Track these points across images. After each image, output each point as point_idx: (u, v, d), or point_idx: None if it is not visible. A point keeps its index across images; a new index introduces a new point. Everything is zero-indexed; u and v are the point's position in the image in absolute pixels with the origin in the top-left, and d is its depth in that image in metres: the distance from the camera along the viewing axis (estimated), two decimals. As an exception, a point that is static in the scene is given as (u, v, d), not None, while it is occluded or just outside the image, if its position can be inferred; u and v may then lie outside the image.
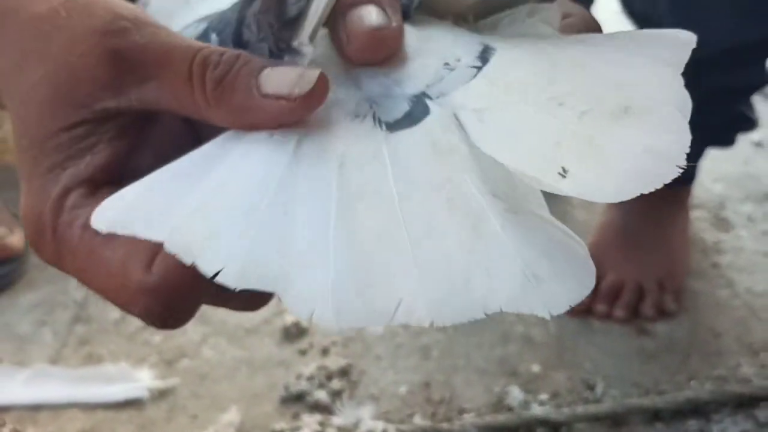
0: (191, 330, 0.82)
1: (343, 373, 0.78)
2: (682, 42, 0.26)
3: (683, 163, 0.22)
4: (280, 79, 0.26)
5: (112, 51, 0.27)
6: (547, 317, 0.20)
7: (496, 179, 0.22)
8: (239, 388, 0.76)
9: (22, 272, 0.87)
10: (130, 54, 0.28)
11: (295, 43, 0.27)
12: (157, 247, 0.25)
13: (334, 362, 0.78)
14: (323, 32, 0.28)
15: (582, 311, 0.84)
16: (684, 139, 0.22)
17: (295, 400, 0.75)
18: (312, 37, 0.27)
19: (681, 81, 0.25)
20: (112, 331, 0.81)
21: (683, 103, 0.24)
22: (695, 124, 0.84)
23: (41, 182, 0.28)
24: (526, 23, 0.28)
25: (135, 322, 0.82)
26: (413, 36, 0.27)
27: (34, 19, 0.30)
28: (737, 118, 0.87)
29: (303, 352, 0.80)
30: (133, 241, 0.26)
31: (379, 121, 0.25)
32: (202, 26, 0.32)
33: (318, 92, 0.26)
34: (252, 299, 0.28)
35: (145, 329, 0.82)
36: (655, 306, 0.84)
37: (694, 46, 0.26)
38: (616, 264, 0.86)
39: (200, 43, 0.28)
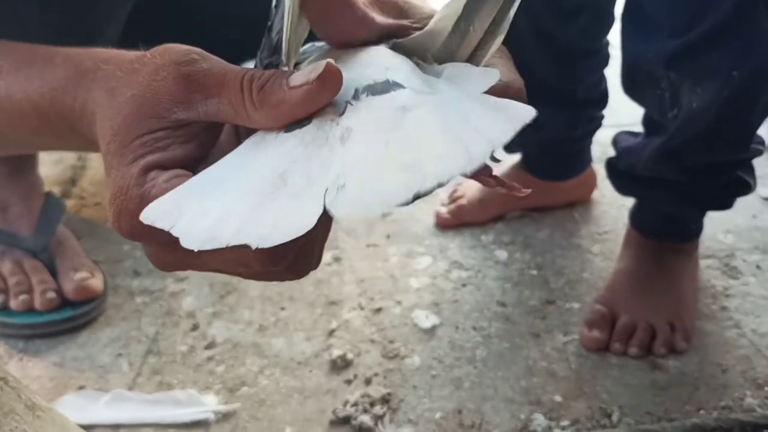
0: (249, 362, 0.92)
1: (384, 400, 0.87)
2: (511, 119, 0.34)
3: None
4: (301, 75, 0.35)
5: (184, 75, 0.37)
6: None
7: None
8: (293, 412, 0.86)
9: (102, 311, 0.99)
10: (197, 77, 0.37)
11: (281, 61, 0.38)
12: None
13: (376, 391, 0.88)
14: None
15: (600, 348, 0.93)
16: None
17: (342, 423, 0.84)
18: (287, 57, 0.38)
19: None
20: (180, 363, 0.92)
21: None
22: (689, 193, 0.97)
23: (126, 168, 0.36)
24: (460, 73, 0.37)
25: (201, 355, 0.93)
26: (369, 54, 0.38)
27: (124, 62, 0.39)
28: (733, 184, 0.96)
29: (348, 382, 0.90)
30: None
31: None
32: None
33: (328, 73, 0.34)
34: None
35: (210, 361, 0.92)
36: (666, 345, 0.93)
37: (527, 121, 0.33)
38: (629, 307, 0.95)
39: (250, 68, 0.37)
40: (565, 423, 0.84)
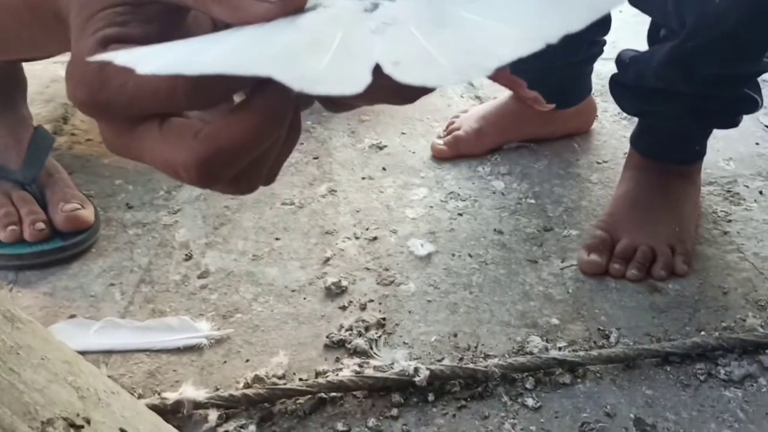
0: (243, 290, 0.91)
1: (380, 325, 0.86)
2: None
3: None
4: None
5: None
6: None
7: None
8: (287, 337, 0.85)
9: (93, 242, 0.97)
10: None
11: None
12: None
13: (370, 316, 0.87)
14: None
15: (598, 272, 0.92)
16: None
17: (337, 346, 0.83)
18: None
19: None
20: (173, 291, 0.91)
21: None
22: (696, 108, 0.94)
23: (86, 41, 0.35)
24: None
25: (194, 284, 0.92)
26: None
27: None
28: (739, 100, 0.93)
29: (343, 308, 0.88)
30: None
31: None
32: None
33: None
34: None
35: (204, 289, 0.91)
36: (666, 267, 0.91)
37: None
38: (629, 230, 0.93)
39: None
40: (562, 344, 0.83)
